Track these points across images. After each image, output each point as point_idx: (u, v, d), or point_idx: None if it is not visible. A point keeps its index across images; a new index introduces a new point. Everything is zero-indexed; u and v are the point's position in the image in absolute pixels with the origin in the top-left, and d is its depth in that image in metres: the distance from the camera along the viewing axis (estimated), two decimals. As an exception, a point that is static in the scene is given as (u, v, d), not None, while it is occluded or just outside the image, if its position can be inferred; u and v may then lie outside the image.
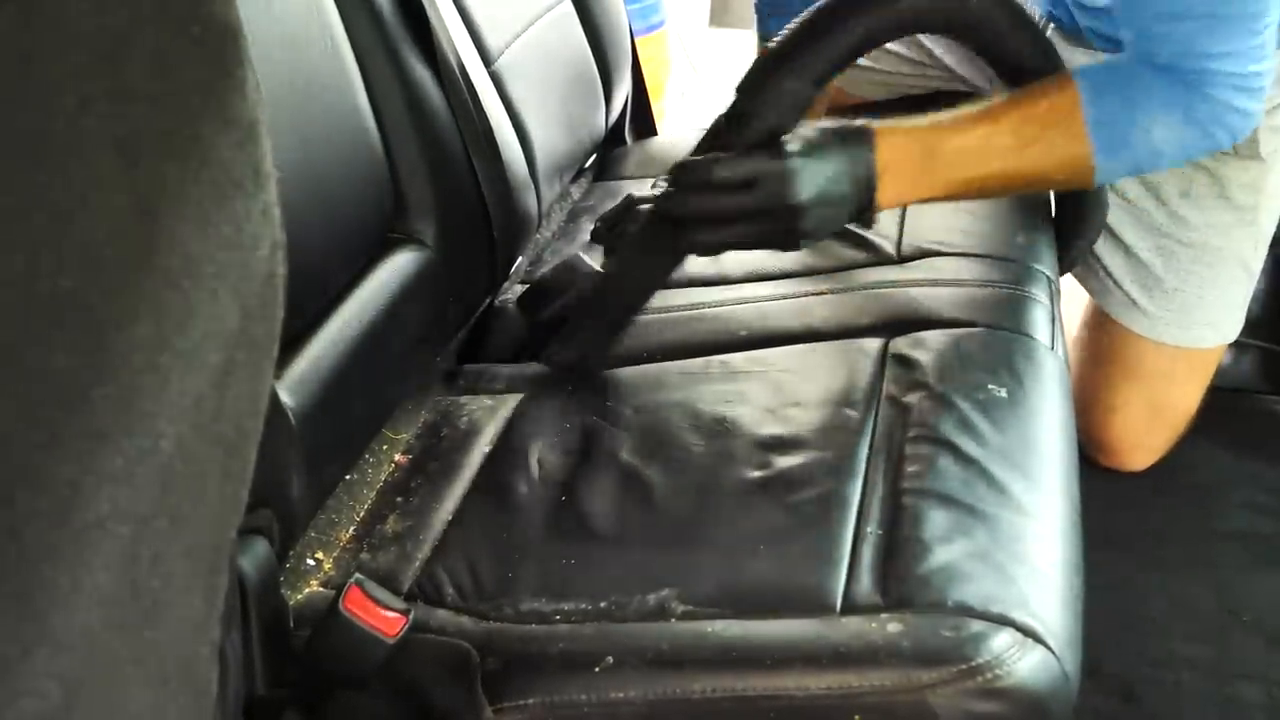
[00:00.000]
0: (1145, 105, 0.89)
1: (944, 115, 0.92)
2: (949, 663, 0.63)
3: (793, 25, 0.92)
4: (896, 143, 0.89)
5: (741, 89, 0.92)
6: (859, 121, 0.90)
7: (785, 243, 0.90)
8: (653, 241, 0.98)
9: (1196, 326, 1.30)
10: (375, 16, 0.99)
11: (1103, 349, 1.35)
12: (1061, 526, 0.76)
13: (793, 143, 0.87)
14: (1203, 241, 1.26)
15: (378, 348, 0.91)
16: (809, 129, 0.89)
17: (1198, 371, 1.34)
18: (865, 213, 0.89)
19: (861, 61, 1.47)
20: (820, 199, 0.86)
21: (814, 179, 0.86)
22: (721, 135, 0.93)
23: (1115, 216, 1.29)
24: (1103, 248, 1.31)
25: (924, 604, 0.68)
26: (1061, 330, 1.00)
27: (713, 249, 0.95)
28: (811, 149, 0.87)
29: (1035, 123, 0.90)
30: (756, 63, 0.94)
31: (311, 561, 0.87)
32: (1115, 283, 1.32)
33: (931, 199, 0.94)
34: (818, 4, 0.93)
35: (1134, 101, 0.89)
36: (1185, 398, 1.35)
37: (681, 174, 0.90)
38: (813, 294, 1.09)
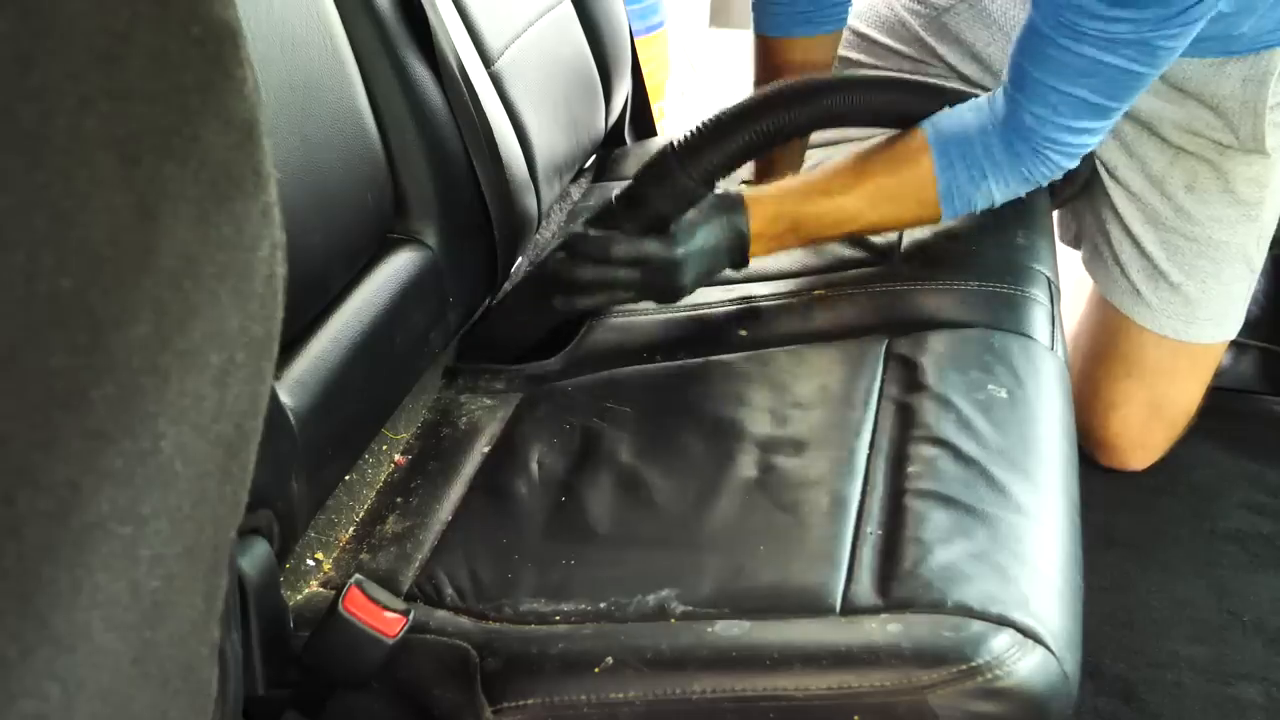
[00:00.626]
0: (992, 172, 1.00)
1: (810, 178, 1.05)
2: (949, 663, 0.63)
3: (699, 123, 1.01)
4: (766, 213, 1.02)
5: (640, 176, 1.02)
6: (734, 190, 1.03)
7: (663, 300, 1.04)
8: (534, 294, 1.11)
9: (1199, 321, 1.30)
10: (375, 17, 0.99)
11: (1104, 345, 1.35)
12: (1061, 527, 0.76)
13: (682, 232, 0.99)
14: (1206, 236, 1.26)
15: (378, 348, 0.91)
16: (692, 212, 1.00)
17: (1199, 368, 1.34)
18: (737, 265, 1.04)
19: (850, 54, 1.49)
20: (700, 272, 1.01)
21: (696, 262, 1.00)
22: (615, 212, 1.03)
23: (1124, 207, 1.29)
24: (1114, 234, 1.31)
25: (924, 604, 0.68)
26: (1061, 330, 1.00)
27: (587, 310, 1.08)
28: (695, 234, 1.00)
29: (889, 192, 1.02)
30: (657, 154, 1.01)
31: (311, 562, 0.87)
32: (1122, 271, 1.32)
33: (794, 248, 1.08)
34: (725, 107, 1.01)
35: (981, 171, 1.00)
36: (1185, 394, 1.35)
37: (581, 244, 1.01)
38: (813, 295, 1.09)
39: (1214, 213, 1.25)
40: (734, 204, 1.01)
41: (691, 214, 1.00)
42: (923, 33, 1.43)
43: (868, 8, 1.47)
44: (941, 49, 1.44)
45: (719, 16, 3.09)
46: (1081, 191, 1.36)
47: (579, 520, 0.83)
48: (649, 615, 0.72)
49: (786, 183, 1.05)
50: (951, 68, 1.45)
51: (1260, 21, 1.10)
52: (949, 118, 1.01)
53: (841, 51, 1.48)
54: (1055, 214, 1.41)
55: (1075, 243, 1.43)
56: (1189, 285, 1.28)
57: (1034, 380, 0.90)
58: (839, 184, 1.02)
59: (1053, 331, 0.96)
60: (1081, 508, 0.81)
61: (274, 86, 0.83)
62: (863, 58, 1.48)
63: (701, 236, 0.99)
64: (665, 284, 1.00)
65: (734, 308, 1.10)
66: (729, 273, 1.17)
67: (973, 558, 0.71)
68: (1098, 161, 1.35)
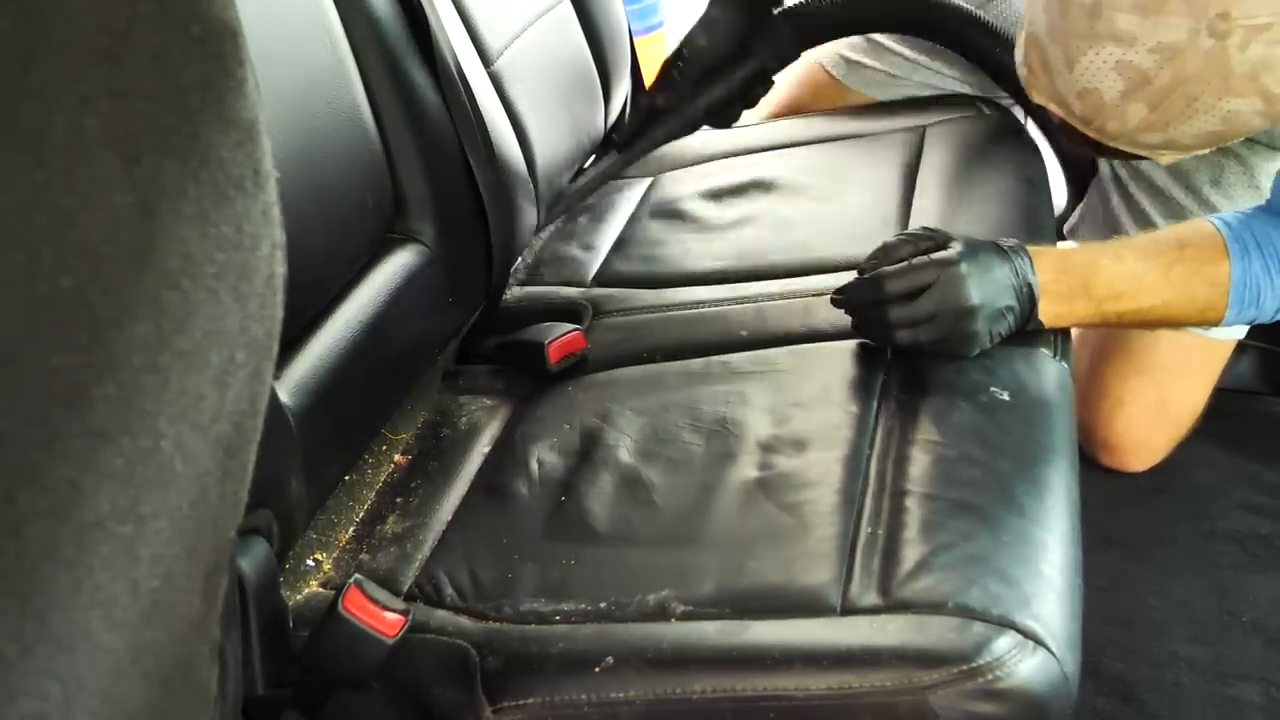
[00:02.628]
0: None
1: (1094, 244, 0.97)
2: (950, 664, 0.63)
3: None
4: (1053, 264, 0.92)
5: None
6: (1011, 241, 0.94)
7: (958, 347, 0.91)
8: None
9: None
10: (373, 17, 0.99)
11: (1114, 341, 1.34)
12: (1062, 529, 0.76)
13: (957, 248, 0.91)
14: None
15: (377, 348, 0.91)
16: (968, 239, 0.93)
17: (1209, 367, 1.34)
18: (1026, 320, 0.92)
19: (861, 59, 1.49)
20: (988, 304, 0.89)
21: (981, 284, 0.89)
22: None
23: (1147, 204, 1.29)
24: (1130, 232, 1.31)
25: (925, 605, 0.68)
26: (1067, 334, 1.00)
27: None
28: (975, 254, 0.90)
29: (1184, 271, 0.92)
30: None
31: (311, 562, 0.87)
32: None
33: (1084, 324, 0.97)
34: None
35: (1277, 264, 0.92)
36: (1193, 394, 1.35)
37: (853, 293, 0.95)
38: (814, 294, 1.09)
39: (1239, 207, 1.24)
40: (1018, 250, 0.92)
41: (967, 238, 0.93)
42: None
43: None
44: (953, 55, 1.44)
45: (718, 17, 3.08)
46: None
47: (579, 520, 0.83)
48: (649, 615, 0.72)
49: (1066, 246, 0.99)
50: (963, 75, 1.45)
51: None
52: (1234, 215, 0.95)
53: (855, 56, 1.48)
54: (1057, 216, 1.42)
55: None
56: None
57: (1036, 382, 0.90)
58: (1128, 252, 0.94)
59: (1055, 336, 0.96)
60: (1081, 508, 0.81)
61: (274, 86, 0.83)
62: (877, 64, 1.48)
63: (984, 263, 0.90)
64: (952, 311, 0.89)
65: (734, 308, 1.10)
66: (729, 273, 1.17)
67: (974, 559, 0.71)
68: (1115, 161, 1.35)
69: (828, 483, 0.80)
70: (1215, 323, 0.95)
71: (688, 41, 1.23)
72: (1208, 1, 0.73)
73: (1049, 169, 1.30)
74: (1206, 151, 0.86)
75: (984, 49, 1.30)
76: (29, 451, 0.28)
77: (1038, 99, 0.87)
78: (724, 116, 1.27)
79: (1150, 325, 1.02)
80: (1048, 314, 0.92)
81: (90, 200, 0.29)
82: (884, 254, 0.95)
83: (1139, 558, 1.30)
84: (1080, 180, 1.43)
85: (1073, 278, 0.92)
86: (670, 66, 1.25)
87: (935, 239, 0.94)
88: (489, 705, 0.69)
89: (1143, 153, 0.86)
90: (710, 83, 1.23)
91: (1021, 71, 0.86)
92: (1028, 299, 0.91)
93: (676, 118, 1.26)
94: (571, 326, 1.07)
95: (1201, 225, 0.94)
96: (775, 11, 1.25)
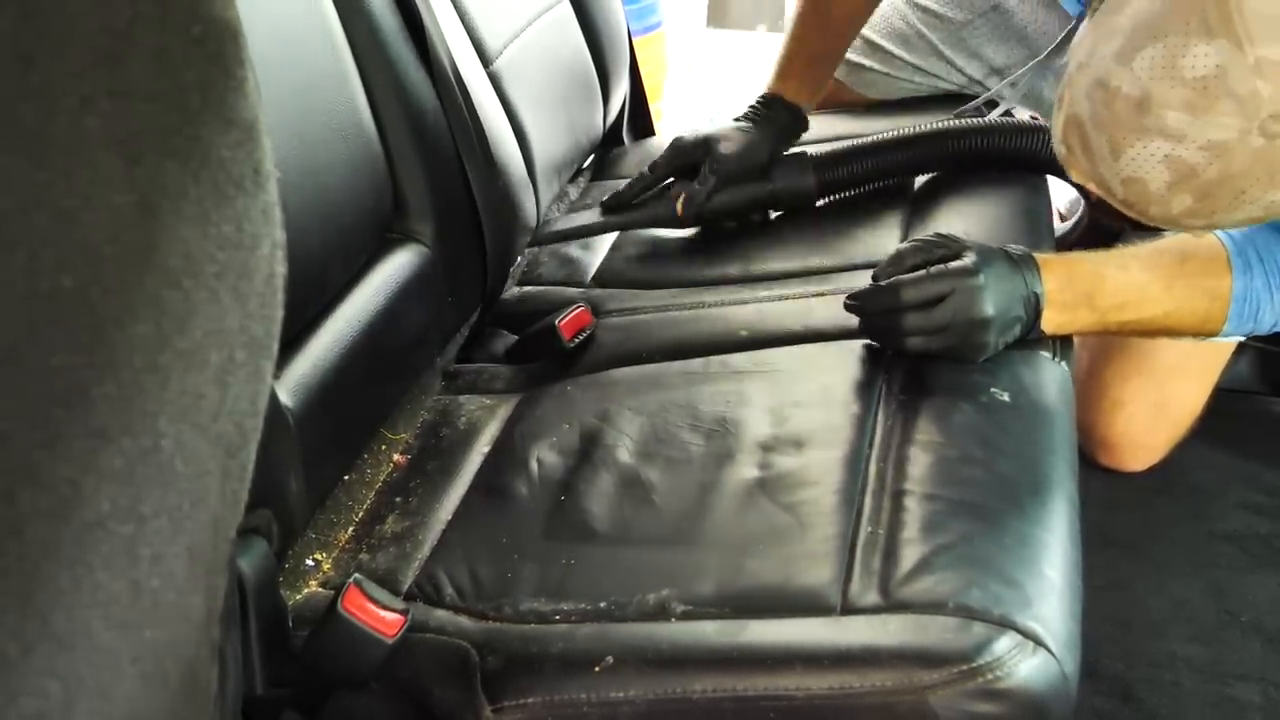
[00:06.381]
0: None
1: (1099, 253, 0.96)
2: (950, 664, 0.63)
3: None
4: (1059, 274, 0.93)
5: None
6: (1019, 249, 0.94)
7: (968, 355, 0.91)
8: None
9: None
10: (372, 17, 0.99)
11: (1115, 342, 1.34)
12: (1062, 529, 0.76)
13: (973, 258, 0.91)
14: None
15: (376, 348, 0.91)
16: (982, 248, 0.93)
17: (1209, 368, 1.34)
18: (1029, 329, 0.93)
19: (862, 61, 1.49)
20: (1001, 314, 0.90)
21: (995, 295, 0.90)
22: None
23: None
24: (1129, 235, 1.31)
25: (924, 605, 0.68)
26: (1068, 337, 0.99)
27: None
28: (991, 265, 0.91)
29: (1186, 283, 0.93)
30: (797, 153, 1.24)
31: (310, 562, 0.87)
32: None
33: (1086, 333, 0.99)
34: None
35: (1278, 279, 0.92)
36: (1192, 395, 1.35)
37: (868, 300, 0.95)
38: (814, 294, 1.09)
39: None
40: (1026, 259, 0.93)
41: (981, 247, 0.93)
42: (941, 46, 1.44)
43: (882, 19, 1.48)
44: (960, 61, 1.44)
45: (717, 17, 3.09)
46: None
47: (579, 520, 0.83)
48: (649, 615, 0.72)
49: (1072, 254, 0.98)
50: (972, 79, 1.45)
51: None
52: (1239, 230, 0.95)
53: (855, 58, 1.48)
54: (1058, 217, 1.42)
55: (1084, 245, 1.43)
56: None
57: (1036, 385, 0.90)
58: (1132, 262, 0.94)
59: (1055, 337, 0.96)
60: (1080, 508, 0.81)
61: (273, 86, 0.83)
62: (877, 66, 1.48)
63: (998, 273, 0.91)
64: (967, 321, 0.90)
65: (734, 308, 1.10)
66: (729, 273, 1.18)
67: (974, 559, 0.71)
68: None
69: (827, 482, 0.80)
70: (1213, 334, 0.96)
71: (718, 150, 1.21)
72: (1260, 103, 0.71)
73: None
74: None
75: (1018, 151, 1.25)
76: (30, 451, 0.28)
77: (1077, 178, 0.86)
78: (719, 219, 1.24)
79: (1149, 334, 1.02)
80: (1051, 323, 0.93)
81: (91, 200, 0.29)
82: (898, 260, 0.95)
83: (1138, 558, 1.30)
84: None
85: (1078, 288, 0.93)
86: (694, 162, 1.22)
87: (949, 246, 0.94)
88: (489, 705, 0.69)
89: (1178, 230, 0.86)
90: (719, 191, 1.21)
91: (1060, 150, 0.85)
92: (1034, 309, 0.92)
93: (668, 210, 1.23)
94: (574, 305, 1.08)
95: (1205, 237, 0.94)
96: (804, 153, 1.24)
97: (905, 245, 0.97)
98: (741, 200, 1.22)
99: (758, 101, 1.25)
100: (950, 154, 1.23)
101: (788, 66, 1.26)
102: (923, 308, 0.90)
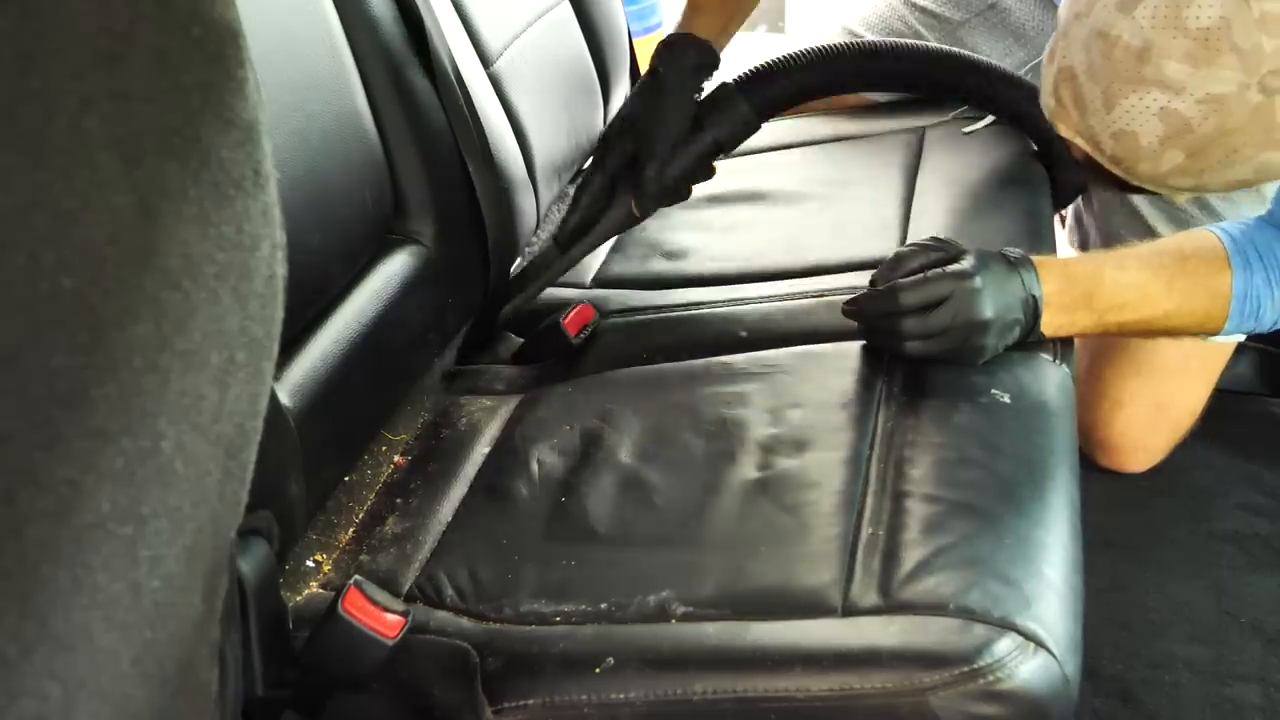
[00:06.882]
0: None
1: (1096, 254, 0.96)
2: (951, 665, 0.63)
3: (762, 62, 1.04)
4: (1058, 276, 0.92)
5: (701, 105, 1.10)
6: (1016, 252, 0.93)
7: (967, 358, 0.91)
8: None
9: None
10: (372, 18, 0.99)
11: (1114, 343, 1.35)
12: (1062, 530, 0.76)
13: (970, 261, 0.91)
14: None
15: (377, 348, 0.91)
16: (980, 251, 0.93)
17: (1208, 368, 1.34)
18: (1029, 337, 0.92)
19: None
20: (1000, 317, 0.90)
21: (994, 298, 0.89)
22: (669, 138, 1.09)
23: (1147, 210, 1.29)
24: (1128, 239, 1.31)
25: (925, 607, 0.68)
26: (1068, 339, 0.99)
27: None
28: (989, 267, 0.90)
29: (1183, 279, 0.92)
30: (719, 86, 1.10)
31: (311, 563, 0.86)
32: None
33: (1084, 334, 0.97)
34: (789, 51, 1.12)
35: (1279, 277, 0.91)
36: (1192, 395, 1.35)
37: (867, 304, 0.94)
38: (814, 295, 1.09)
39: (1240, 211, 1.24)
40: (1024, 262, 0.92)
41: (980, 251, 0.92)
42: (923, 29, 1.44)
43: (880, 20, 1.48)
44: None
45: (717, 17, 3.08)
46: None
47: (579, 521, 0.83)
48: (649, 615, 0.72)
49: (1070, 256, 0.97)
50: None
51: None
52: (1236, 226, 0.95)
53: None
54: (1059, 220, 1.42)
55: (1083, 247, 1.43)
56: None
57: (1036, 386, 0.90)
58: (1131, 262, 0.94)
59: (1055, 339, 0.96)
60: (1081, 509, 0.81)
61: (273, 87, 0.83)
62: None
63: (995, 276, 0.90)
64: (966, 324, 0.89)
65: (734, 308, 1.10)
66: (729, 273, 1.17)
67: (974, 561, 0.70)
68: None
69: (828, 484, 0.80)
70: (1214, 333, 0.95)
71: (642, 129, 1.12)
72: (1262, 58, 0.71)
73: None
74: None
75: (957, 86, 1.26)
76: (30, 452, 0.28)
77: (1064, 133, 0.86)
78: (677, 195, 1.16)
79: (1149, 335, 1.02)
80: (1050, 325, 0.92)
81: (91, 201, 0.29)
82: (896, 264, 0.94)
83: (1138, 559, 1.30)
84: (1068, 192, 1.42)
85: (1076, 290, 0.93)
86: (628, 152, 1.13)
87: (946, 250, 0.94)
88: (489, 706, 0.69)
89: (1164, 192, 0.85)
90: (664, 170, 1.12)
91: (1048, 103, 0.85)
92: (1033, 312, 0.91)
93: (624, 211, 1.14)
94: (576, 302, 1.09)
95: (1204, 236, 0.94)
96: (725, 84, 1.15)
97: (904, 248, 0.96)
98: (688, 164, 1.13)
99: (661, 47, 1.14)
100: (881, 74, 1.21)
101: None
102: (921, 311, 0.90)
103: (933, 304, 0.90)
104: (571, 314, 1.08)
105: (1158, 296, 0.92)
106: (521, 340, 1.15)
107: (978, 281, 0.89)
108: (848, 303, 0.96)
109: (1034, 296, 0.91)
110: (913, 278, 0.92)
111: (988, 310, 0.89)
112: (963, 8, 1.42)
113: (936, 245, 0.95)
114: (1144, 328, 0.95)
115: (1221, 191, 0.83)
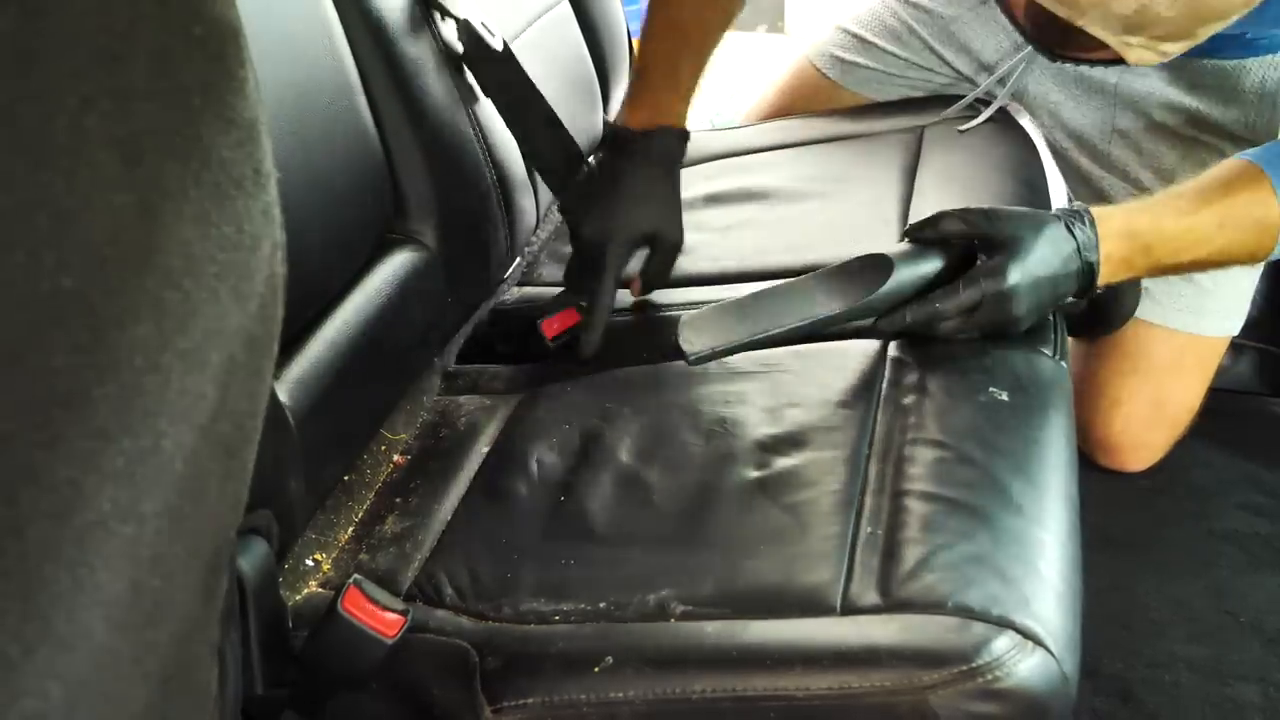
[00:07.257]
0: None
1: (1151, 200, 0.96)
2: (950, 664, 0.63)
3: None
4: (1118, 232, 0.92)
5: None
6: (1078, 208, 0.92)
7: (1000, 335, 0.92)
8: None
9: (1209, 314, 1.31)
10: (372, 17, 0.99)
11: (1109, 341, 1.35)
12: (1061, 529, 0.76)
13: (1014, 257, 0.88)
14: None
15: (377, 348, 0.91)
16: (1026, 229, 0.90)
17: (1204, 364, 1.34)
18: (1085, 291, 0.92)
19: (855, 59, 1.49)
20: (1032, 312, 0.90)
21: (1029, 295, 0.89)
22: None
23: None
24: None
25: (924, 605, 0.68)
26: (1064, 331, 1.00)
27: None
28: (1028, 259, 0.88)
29: (1232, 214, 0.93)
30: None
31: (310, 562, 0.87)
32: None
33: (1136, 276, 0.98)
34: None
35: None
36: (1189, 392, 1.35)
37: (899, 327, 0.93)
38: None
39: None
40: (1079, 218, 0.91)
41: (1025, 231, 0.89)
42: (931, 40, 1.44)
43: (873, 17, 1.48)
44: (949, 55, 1.45)
45: (717, 17, 3.08)
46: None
47: (579, 520, 0.83)
48: (649, 615, 0.72)
49: (1131, 205, 0.96)
50: (959, 74, 1.45)
51: None
52: (1268, 148, 0.96)
53: (849, 56, 1.49)
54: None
55: None
56: (1199, 279, 1.28)
57: (1035, 383, 0.90)
58: (1185, 205, 0.94)
59: (1054, 337, 0.96)
60: (1080, 508, 0.81)
61: (274, 86, 0.83)
62: (871, 63, 1.48)
63: (1037, 261, 0.89)
64: (998, 319, 0.90)
65: (733, 308, 1.10)
66: (729, 273, 1.17)
67: (973, 559, 0.71)
68: (1106, 165, 1.35)
69: (827, 482, 0.80)
70: (1262, 259, 0.97)
71: (656, 239, 1.09)
72: None
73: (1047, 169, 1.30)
74: (1177, 54, 0.85)
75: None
76: (31, 452, 0.28)
77: None
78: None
79: (1200, 270, 1.02)
80: (1105, 277, 0.93)
81: (92, 201, 0.29)
82: (933, 225, 0.94)
83: (1138, 558, 1.30)
84: None
85: (1137, 243, 0.93)
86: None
87: (990, 224, 0.91)
88: (489, 705, 0.69)
89: (1110, 44, 0.85)
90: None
91: None
92: (1087, 276, 0.91)
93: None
94: (564, 305, 1.08)
95: (1238, 165, 0.94)
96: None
97: (949, 211, 0.93)
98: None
99: (643, 143, 1.09)
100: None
101: (669, 85, 1.15)
102: (954, 318, 0.91)
103: (969, 310, 0.90)
104: (554, 316, 1.06)
105: (1211, 235, 0.93)
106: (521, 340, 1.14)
107: (1011, 281, 0.88)
108: (879, 320, 0.93)
109: (1090, 262, 0.90)
110: (949, 301, 0.89)
111: (1020, 309, 0.89)
112: (955, 3, 1.43)
113: (982, 214, 0.92)
114: (1197, 267, 0.97)
115: (1168, 40, 0.83)
